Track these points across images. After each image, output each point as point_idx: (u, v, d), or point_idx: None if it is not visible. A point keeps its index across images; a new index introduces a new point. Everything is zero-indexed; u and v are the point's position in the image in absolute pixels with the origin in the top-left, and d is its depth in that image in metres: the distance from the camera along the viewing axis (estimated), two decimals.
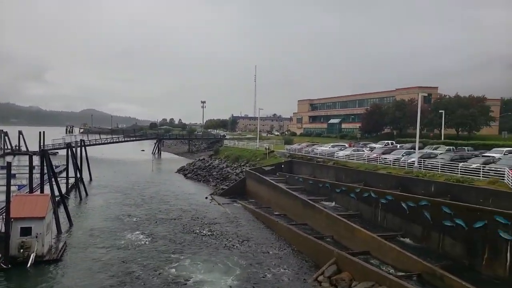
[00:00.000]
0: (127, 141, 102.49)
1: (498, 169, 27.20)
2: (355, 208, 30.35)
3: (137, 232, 28.66)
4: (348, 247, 23.85)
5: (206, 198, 43.01)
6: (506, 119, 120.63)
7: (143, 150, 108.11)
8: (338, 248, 22.74)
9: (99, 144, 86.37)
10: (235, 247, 25.82)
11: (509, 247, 17.89)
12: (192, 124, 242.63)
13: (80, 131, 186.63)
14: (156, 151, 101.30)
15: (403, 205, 24.94)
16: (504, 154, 36.13)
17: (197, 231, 29.33)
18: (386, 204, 26.73)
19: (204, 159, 72.81)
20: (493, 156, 33.58)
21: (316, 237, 25.23)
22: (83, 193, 42.50)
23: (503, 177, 25.79)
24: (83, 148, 55.20)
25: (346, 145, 54.67)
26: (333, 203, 33.07)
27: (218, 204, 39.68)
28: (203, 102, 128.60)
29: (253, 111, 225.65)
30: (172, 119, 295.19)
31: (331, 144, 56.21)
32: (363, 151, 46.00)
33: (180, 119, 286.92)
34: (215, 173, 58.29)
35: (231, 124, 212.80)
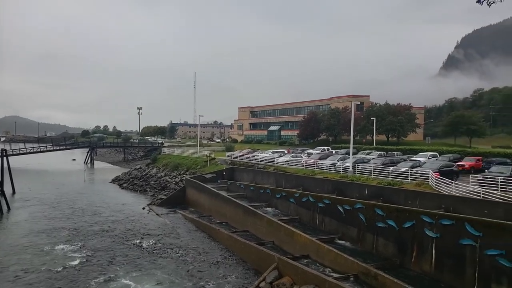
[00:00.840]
0: (57, 150, 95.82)
1: (424, 172, 29.48)
2: (294, 212, 31.13)
3: (67, 247, 27.04)
4: (288, 251, 24.33)
5: (144, 208, 41.56)
6: (429, 125, 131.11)
7: (74, 160, 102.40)
8: (279, 253, 23.08)
9: (24, 153, 79.88)
10: (174, 257, 25.22)
11: (434, 244, 19.40)
12: (127, 132, 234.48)
13: (2, 140, 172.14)
14: (89, 160, 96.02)
15: (340, 208, 26.06)
16: (428, 158, 39.27)
17: (134, 243, 28.21)
18: (324, 207, 27.74)
19: (140, 168, 70.41)
20: (419, 160, 36.34)
21: (257, 243, 25.37)
22: (4, 207, 39.18)
23: (428, 179, 27.99)
24: (4, 158, 50.62)
25: (285, 151, 56.06)
26: (274, 209, 33.66)
27: (157, 214, 38.51)
28: (140, 109, 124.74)
29: (193, 118, 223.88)
30: (106, 126, 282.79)
31: (271, 150, 57.35)
32: (301, 157, 47.45)
33: (114, 126, 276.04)
34: (152, 182, 56.56)
35: (170, 131, 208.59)
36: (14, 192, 49.66)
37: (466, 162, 36.00)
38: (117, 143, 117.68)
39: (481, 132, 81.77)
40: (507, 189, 23.19)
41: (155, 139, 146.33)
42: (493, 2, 5.21)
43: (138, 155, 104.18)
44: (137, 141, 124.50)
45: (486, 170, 29.81)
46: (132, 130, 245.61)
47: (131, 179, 61.66)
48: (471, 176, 26.91)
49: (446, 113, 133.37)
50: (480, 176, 26.32)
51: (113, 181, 63.97)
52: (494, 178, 24.52)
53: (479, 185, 24.47)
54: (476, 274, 17.28)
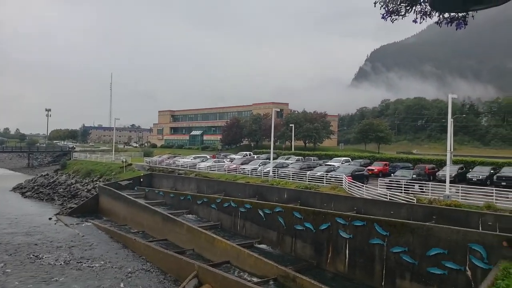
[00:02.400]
0: None
1: (338, 176, 31.26)
2: (216, 218, 30.95)
3: None
4: (209, 259, 23.98)
5: (50, 219, 37.91)
6: (342, 132, 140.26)
7: None
8: (200, 261, 22.69)
9: None
10: (86, 271, 23.30)
11: (347, 245, 20.61)
12: (33, 135, 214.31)
13: None
14: None
15: (260, 212, 26.48)
16: (342, 163, 41.71)
17: (40, 257, 25.54)
18: (245, 212, 27.99)
19: (48, 174, 64.67)
20: (334, 165, 38.47)
21: (177, 252, 24.62)
22: None
23: (342, 183, 29.73)
24: None
25: (208, 156, 55.74)
26: (195, 216, 33.16)
27: (65, 225, 35.36)
28: (48, 110, 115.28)
29: (108, 121, 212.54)
30: (7, 129, 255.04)
31: (193, 155, 56.56)
32: (224, 162, 47.53)
33: (17, 129, 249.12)
34: (61, 190, 52.27)
35: (82, 135, 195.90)
36: None
37: (375, 167, 38.92)
38: (20, 147, 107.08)
39: (387, 139, 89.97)
40: (409, 191, 25.51)
41: (65, 143, 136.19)
42: (396, 19, 5.66)
43: (46, 160, 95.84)
44: (45, 145, 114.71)
45: (392, 174, 32.51)
46: (39, 134, 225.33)
47: (36, 187, 56.43)
48: (380, 180, 29.21)
49: (357, 121, 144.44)
50: (387, 180, 28.63)
51: (14, 189, 57.86)
52: (399, 182, 26.85)
53: (386, 188, 26.59)
54: (384, 270, 18.70)
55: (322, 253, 21.93)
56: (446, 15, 5.38)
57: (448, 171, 24.86)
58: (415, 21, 5.54)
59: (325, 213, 22.68)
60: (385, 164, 39.98)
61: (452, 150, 25.46)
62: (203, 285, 19.78)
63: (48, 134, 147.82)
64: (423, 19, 5.54)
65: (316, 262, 22.07)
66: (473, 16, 5.34)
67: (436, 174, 32.90)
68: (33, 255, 26.02)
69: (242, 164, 43.23)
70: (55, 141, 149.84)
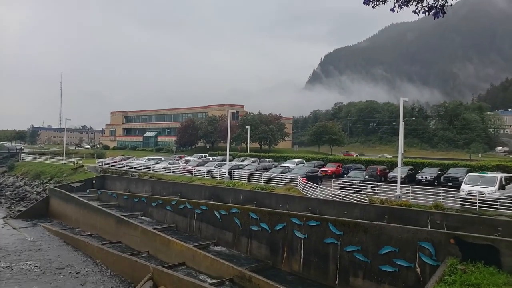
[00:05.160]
0: None
1: (292, 177, 31.77)
2: (171, 220, 30.50)
3: None
4: (165, 261, 23.64)
5: None
6: (296, 134, 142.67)
7: None
8: (155, 263, 22.36)
9: None
10: (36, 277, 22.35)
11: (302, 244, 20.98)
12: None
13: None
14: None
15: (216, 213, 26.39)
16: (296, 165, 42.45)
17: None
18: (201, 214, 27.78)
19: None
20: (288, 166, 39.05)
21: (131, 254, 24.10)
22: None
23: (296, 184, 30.24)
24: None
25: (163, 158, 54.67)
26: (150, 218, 32.49)
27: (14, 228, 33.79)
28: None
29: (58, 122, 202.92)
30: None
31: (147, 157, 55.36)
32: (179, 164, 46.86)
33: None
34: (9, 192, 50.00)
35: (31, 135, 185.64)
36: None
37: (329, 168, 39.99)
38: None
39: (340, 141, 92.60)
40: (362, 192, 26.41)
41: (12, 144, 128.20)
42: (377, 5, 5.76)
43: None
44: None
45: (345, 175, 33.51)
46: None
47: None
48: (333, 181, 30.06)
49: (311, 123, 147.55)
50: (340, 181, 29.48)
51: None
52: (352, 182, 27.73)
53: (340, 189, 27.37)
54: (338, 269, 19.22)
55: (277, 253, 22.18)
56: (425, 3, 5.48)
57: (399, 172, 25.98)
58: (392, 9, 5.64)
59: (280, 213, 22.96)
60: (338, 166, 41.18)
61: (403, 152, 26.64)
62: (158, 287, 19.41)
63: None
64: (401, 8, 5.64)
65: (271, 262, 22.30)
66: (451, 5, 5.46)
67: (388, 175, 34.34)
68: None
69: (197, 165, 42.85)
70: (1, 142, 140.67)
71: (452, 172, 31.29)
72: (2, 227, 34.41)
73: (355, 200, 24.37)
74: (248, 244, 24.00)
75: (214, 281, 19.91)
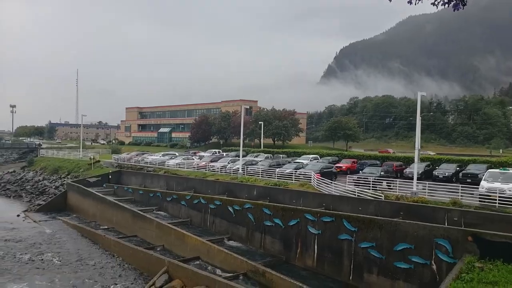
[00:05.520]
0: None
1: (306, 173, 31.64)
2: (185, 215, 30.76)
3: None
4: (179, 254, 23.91)
5: (19, 215, 37.13)
6: (311, 130, 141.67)
7: None
8: (170, 256, 22.62)
9: None
10: (56, 268, 23.02)
11: (316, 240, 20.92)
12: None
13: None
14: None
15: (230, 209, 26.50)
16: (311, 160, 42.27)
17: (5, 254, 25.07)
18: (215, 209, 27.95)
19: (15, 171, 63.22)
20: (302, 162, 38.88)
21: (147, 248, 24.51)
22: None
23: (310, 180, 30.11)
24: None
25: (177, 154, 55.08)
26: (165, 212, 32.83)
27: (34, 221, 34.70)
28: (13, 107, 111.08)
29: (75, 118, 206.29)
30: None
31: (162, 153, 55.88)
32: (193, 159, 47.16)
33: None
34: (29, 187, 51.20)
35: (48, 131, 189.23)
36: None
37: (343, 164, 39.68)
38: None
39: (355, 136, 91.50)
40: (377, 188, 26.15)
41: (31, 140, 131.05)
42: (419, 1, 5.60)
43: (12, 157, 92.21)
44: (10, 142, 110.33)
45: (360, 171, 33.22)
46: (4, 130, 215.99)
47: (2, 184, 55.33)
48: (348, 177, 29.81)
49: (326, 118, 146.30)
50: (355, 177, 29.24)
51: None
52: (367, 178, 27.47)
53: (355, 185, 27.16)
54: (352, 265, 19.11)
55: (291, 249, 22.17)
56: None
57: (416, 168, 25.61)
58: (410, 2, 5.48)
59: (294, 209, 22.93)
60: (353, 162, 40.82)
61: (419, 147, 26.20)
62: (173, 281, 19.70)
63: (14, 130, 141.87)
64: (419, 0, 5.47)
65: (285, 257, 22.32)
66: None
67: (404, 171, 33.85)
68: (2, 252, 25.43)
69: (211, 161, 43.03)
70: (21, 138, 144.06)
71: (472, 169, 30.66)
72: (23, 220, 35.37)
73: (370, 196, 24.15)
74: (262, 239, 24.06)
75: (228, 275, 20.03)
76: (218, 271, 20.95)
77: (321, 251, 20.59)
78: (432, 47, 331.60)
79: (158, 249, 25.14)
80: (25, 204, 43.26)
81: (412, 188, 24.21)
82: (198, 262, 22.43)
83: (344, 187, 26.68)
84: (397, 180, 27.46)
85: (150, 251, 23.61)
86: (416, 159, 26.63)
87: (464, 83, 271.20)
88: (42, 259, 24.47)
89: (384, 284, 17.71)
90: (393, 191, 25.77)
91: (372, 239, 18.41)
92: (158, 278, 20.06)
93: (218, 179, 35.07)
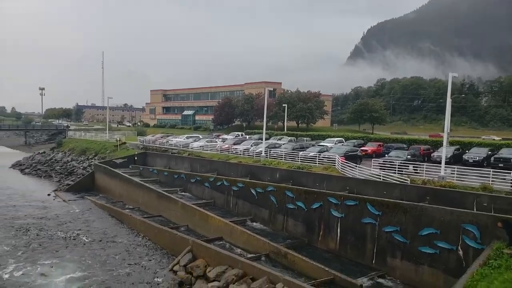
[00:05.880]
0: None
1: (331, 157, 31.26)
2: (209, 196, 31.12)
3: None
4: (203, 235, 24.33)
5: (49, 195, 38.54)
6: (336, 112, 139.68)
7: None
8: (194, 236, 23.02)
9: None
10: (85, 245, 23.95)
11: (339, 223, 20.77)
12: (28, 114, 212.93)
13: None
14: None
15: (253, 191, 26.61)
16: (335, 144, 41.68)
17: (39, 231, 26.25)
18: (238, 191, 28.12)
19: (45, 152, 65.01)
20: (327, 145, 38.41)
21: (171, 228, 25.07)
22: None
23: (334, 163, 29.76)
24: None
25: (200, 136, 55.48)
26: (189, 193, 33.30)
27: (64, 201, 35.98)
28: (42, 89, 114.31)
29: (101, 100, 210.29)
30: (3, 108, 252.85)
31: (186, 135, 56.41)
32: (216, 142, 47.39)
33: (13, 108, 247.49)
34: (58, 167, 52.71)
35: (76, 113, 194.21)
36: None
37: (369, 147, 38.96)
38: (16, 126, 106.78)
39: (382, 119, 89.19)
40: (403, 172, 25.57)
41: (60, 122, 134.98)
42: None
43: (42, 138, 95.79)
44: (40, 124, 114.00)
45: (386, 155, 32.53)
46: (34, 112, 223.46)
47: (34, 164, 56.96)
48: (373, 160, 29.24)
49: (351, 101, 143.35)
50: (380, 160, 28.67)
51: (13, 166, 58.40)
52: (393, 162, 26.88)
53: (380, 169, 26.65)
54: (375, 249, 18.92)
55: (313, 231, 22.13)
56: None
57: (444, 152, 24.83)
58: None
59: (317, 192, 22.78)
60: (379, 145, 40.03)
61: (449, 131, 25.30)
62: (197, 260, 20.12)
63: (43, 112, 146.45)
64: None
65: (307, 240, 22.34)
66: None
67: (431, 155, 33.01)
68: (36, 229, 26.61)
69: (234, 144, 43.11)
70: (50, 120, 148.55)
71: (504, 153, 29.28)
72: (54, 199, 36.69)
73: (395, 180, 23.66)
74: (284, 222, 24.10)
75: (250, 255, 20.28)
76: (241, 252, 21.23)
77: (344, 235, 20.46)
78: (466, 26, 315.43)
79: (182, 229, 25.66)
80: (54, 184, 44.79)
81: (440, 172, 23.53)
82: (221, 242, 22.79)
83: (369, 170, 26.22)
84: (424, 164, 26.75)
85: (174, 230, 24.12)
86: (444, 143, 25.82)
87: (500, 63, 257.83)
88: (72, 237, 25.46)
89: (408, 269, 17.50)
90: (419, 175, 25.15)
91: (396, 223, 18.12)
92: (183, 257, 20.52)
93: (240, 161, 35.16)
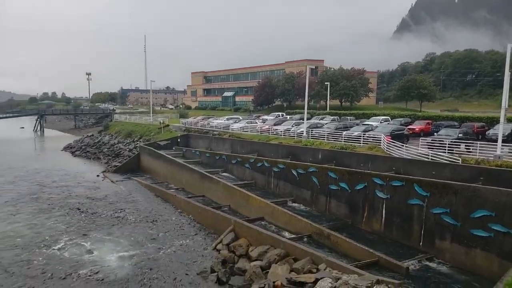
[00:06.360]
0: (2, 118, 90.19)
1: (376, 136, 30.15)
2: (250, 177, 31.17)
3: (16, 212, 26.58)
4: (244, 215, 24.54)
5: (98, 176, 40.37)
6: (381, 90, 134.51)
7: (23, 128, 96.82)
8: (235, 216, 23.26)
9: None
10: (132, 223, 24.95)
11: (384, 205, 20.05)
12: (77, 98, 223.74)
13: None
14: (38, 128, 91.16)
15: (294, 172, 26.28)
16: (381, 122, 40.25)
17: (89, 209, 27.61)
18: (279, 172, 27.90)
19: (93, 135, 68.06)
20: (372, 124, 37.13)
21: (214, 207, 25.47)
22: None
23: (380, 142, 28.68)
24: None
25: (240, 118, 55.53)
26: (230, 174, 33.57)
27: (111, 181, 37.52)
28: (89, 74, 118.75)
29: (144, 84, 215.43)
30: (54, 93, 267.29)
31: (226, 117, 56.72)
32: (256, 123, 47.23)
33: (63, 93, 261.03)
34: (106, 149, 54.84)
35: (121, 97, 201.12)
36: None
37: (416, 126, 37.22)
38: (67, 110, 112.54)
39: (431, 96, 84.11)
40: (454, 151, 24.15)
41: (106, 105, 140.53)
42: None
43: (90, 122, 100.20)
44: (88, 108, 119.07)
45: (435, 133, 30.91)
46: (81, 97, 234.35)
47: (83, 147, 59.70)
48: (421, 139, 27.86)
49: (398, 77, 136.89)
50: (429, 139, 27.26)
51: (65, 149, 61.56)
52: (442, 141, 25.45)
53: (428, 148, 25.35)
54: (422, 231, 18.11)
55: (357, 213, 21.59)
56: None
57: (501, 129, 23.10)
58: None
59: (361, 173, 22.09)
60: (428, 123, 38.12)
61: (507, 106, 23.40)
62: (239, 239, 20.34)
63: (90, 97, 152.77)
64: None
65: (351, 221, 21.87)
66: None
67: (486, 133, 30.97)
68: (87, 208, 28.10)
69: (274, 125, 42.70)
70: (96, 104, 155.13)
71: None
72: (102, 180, 38.34)
73: (445, 160, 22.37)
74: (327, 203, 23.66)
75: (292, 236, 20.19)
76: (282, 232, 21.16)
77: (389, 216, 19.78)
78: None
79: (224, 209, 26.03)
80: (103, 165, 46.79)
81: (496, 151, 21.95)
82: (262, 222, 22.84)
83: (416, 150, 24.98)
84: (478, 142, 25.08)
85: (217, 210, 24.52)
86: (501, 119, 23.94)
87: None
88: (120, 215, 26.56)
89: (458, 252, 16.65)
90: (472, 155, 23.62)
91: (446, 204, 17.18)
92: (225, 236, 20.81)
93: (281, 142, 34.79)
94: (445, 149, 24.22)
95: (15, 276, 17.25)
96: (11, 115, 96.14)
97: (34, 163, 47.60)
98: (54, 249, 20.37)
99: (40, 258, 19.11)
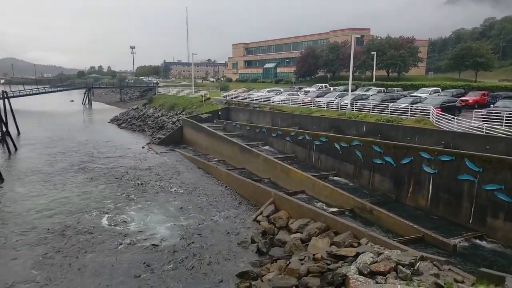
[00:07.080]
0: (54, 91, 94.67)
1: (424, 108, 28.66)
2: (290, 150, 30.87)
3: (67, 181, 28.10)
4: (284, 187, 24.43)
5: (143, 147, 41.67)
6: (432, 59, 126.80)
7: (73, 101, 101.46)
8: (275, 189, 23.24)
9: (24, 95, 78.25)
10: (176, 193, 25.70)
11: (431, 180, 19.16)
12: (122, 72, 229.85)
13: (1, 82, 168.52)
14: (86, 101, 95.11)
15: (336, 145, 25.66)
16: (430, 94, 38.20)
17: (137, 179, 28.66)
18: (320, 145, 27.37)
19: (137, 108, 69.94)
20: (420, 96, 35.27)
21: (254, 180, 25.55)
22: (11, 147, 39.16)
23: (428, 115, 27.25)
24: (6, 100, 51.34)
25: (282, 90, 54.71)
26: (270, 147, 33.45)
27: (156, 153, 38.62)
28: (133, 48, 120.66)
29: (186, 57, 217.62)
30: (100, 67, 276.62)
31: (267, 89, 56.10)
32: (298, 95, 46.37)
33: (109, 67, 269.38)
34: (150, 122, 56.39)
35: (163, 70, 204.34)
36: (19, 133, 49.58)
37: (470, 97, 34.93)
38: (113, 83, 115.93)
39: (488, 65, 77.44)
40: None
41: (149, 79, 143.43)
42: None
43: (134, 95, 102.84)
44: (132, 81, 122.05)
45: (492, 105, 28.83)
46: (126, 70, 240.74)
47: (129, 119, 61.55)
48: (475, 112, 26.06)
49: (452, 45, 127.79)
50: (484, 112, 25.48)
51: (112, 121, 63.90)
52: (499, 113, 23.70)
53: (483, 120, 23.75)
54: (473, 208, 17.19)
55: (402, 188, 20.84)
56: None
57: None
58: None
59: (407, 147, 21.16)
60: (483, 94, 35.63)
61: None
62: (279, 211, 20.40)
63: (134, 70, 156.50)
64: None
65: (395, 196, 21.19)
66: None
67: None
68: (133, 178, 29.22)
69: (317, 97, 41.65)
70: (141, 77, 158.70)
71: None
72: (147, 152, 39.51)
73: (502, 133, 20.86)
74: (370, 177, 23.00)
75: (333, 209, 19.91)
76: (323, 206, 20.91)
77: (436, 192, 18.91)
78: None
79: (265, 181, 26.04)
80: (147, 137, 48.18)
81: None
82: (302, 195, 22.66)
83: (469, 123, 23.47)
84: None
85: (257, 183, 24.57)
86: None
87: None
88: (165, 186, 27.38)
89: None
90: None
91: (500, 181, 16.11)
92: (266, 208, 20.93)
93: (324, 115, 33.97)
94: (502, 122, 22.58)
95: (69, 240, 18.27)
96: (61, 88, 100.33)
97: (83, 135, 49.88)
98: (102, 216, 21.36)
99: (90, 225, 20.11)
